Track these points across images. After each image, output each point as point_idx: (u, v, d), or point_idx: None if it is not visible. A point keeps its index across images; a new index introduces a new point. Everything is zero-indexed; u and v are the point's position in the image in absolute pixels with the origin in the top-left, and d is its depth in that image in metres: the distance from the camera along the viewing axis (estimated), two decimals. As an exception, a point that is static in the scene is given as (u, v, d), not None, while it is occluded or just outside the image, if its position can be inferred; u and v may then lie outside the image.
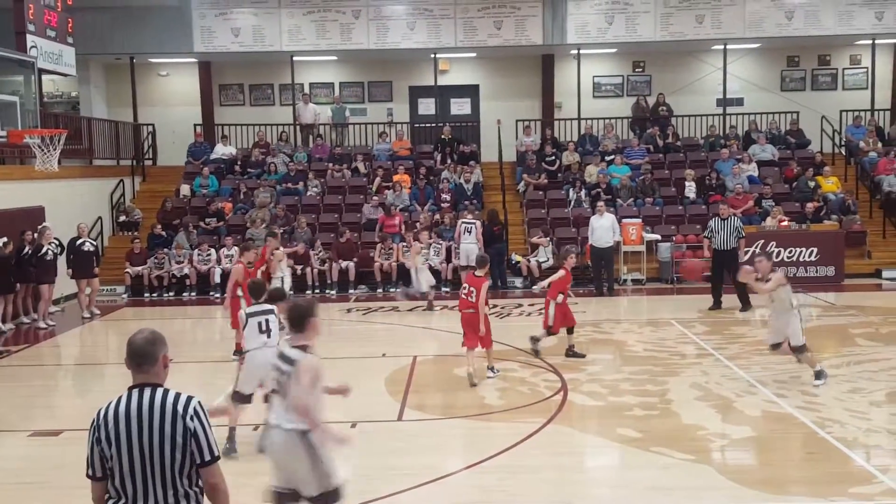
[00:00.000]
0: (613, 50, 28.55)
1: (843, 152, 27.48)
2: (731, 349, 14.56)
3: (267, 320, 9.51)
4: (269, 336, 9.50)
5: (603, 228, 21.22)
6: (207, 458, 4.64)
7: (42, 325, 18.44)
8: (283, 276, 16.86)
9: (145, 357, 4.71)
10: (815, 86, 29.86)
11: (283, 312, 6.69)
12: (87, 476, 4.70)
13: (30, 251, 18.49)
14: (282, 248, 18.03)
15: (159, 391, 4.68)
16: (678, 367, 13.39)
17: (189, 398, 4.70)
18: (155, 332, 4.80)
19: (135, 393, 4.67)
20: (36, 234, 18.76)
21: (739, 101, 29.09)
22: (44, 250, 18.47)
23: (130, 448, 4.57)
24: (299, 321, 6.46)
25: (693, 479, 8.62)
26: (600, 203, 22.21)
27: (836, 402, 11.18)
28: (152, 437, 4.57)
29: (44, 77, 21.87)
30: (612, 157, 26.37)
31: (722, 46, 27.53)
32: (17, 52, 19.71)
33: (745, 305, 18.28)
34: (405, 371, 13.52)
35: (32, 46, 20.10)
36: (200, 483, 4.73)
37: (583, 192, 24.90)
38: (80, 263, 19.89)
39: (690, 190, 25.04)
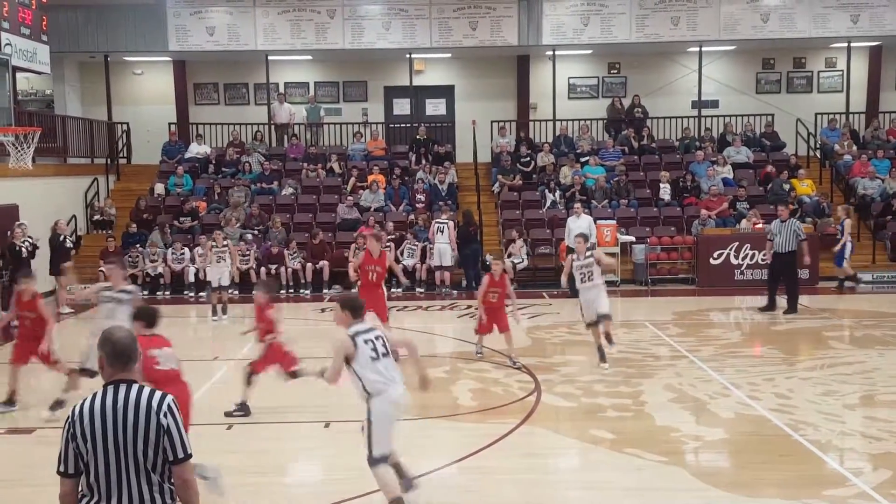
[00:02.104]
0: (589, 51, 28.59)
1: (818, 155, 27.59)
2: (705, 351, 14.60)
3: None
4: None
5: (580, 229, 21.17)
6: (181, 455, 4.64)
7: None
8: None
9: (131, 356, 4.74)
10: (791, 88, 30.01)
11: (340, 301, 7.83)
12: (58, 472, 4.65)
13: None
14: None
15: (135, 387, 4.67)
16: (652, 369, 13.42)
17: (164, 395, 4.71)
18: (130, 329, 4.83)
19: (110, 389, 4.66)
20: (9, 233, 18.64)
21: (714, 104, 29.16)
22: (16, 249, 18.31)
23: (105, 444, 4.55)
24: (360, 309, 7.67)
25: (666, 481, 8.63)
26: (577, 204, 22.23)
27: (809, 404, 11.22)
28: (126, 433, 4.55)
29: (18, 75, 21.72)
30: (586, 158, 26.41)
31: (697, 48, 27.61)
32: (-10, 49, 19.57)
33: (792, 308, 18.42)
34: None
35: (7, 44, 19.91)
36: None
37: (557, 194, 24.92)
38: (63, 260, 19.86)
39: (665, 192, 25.11)
